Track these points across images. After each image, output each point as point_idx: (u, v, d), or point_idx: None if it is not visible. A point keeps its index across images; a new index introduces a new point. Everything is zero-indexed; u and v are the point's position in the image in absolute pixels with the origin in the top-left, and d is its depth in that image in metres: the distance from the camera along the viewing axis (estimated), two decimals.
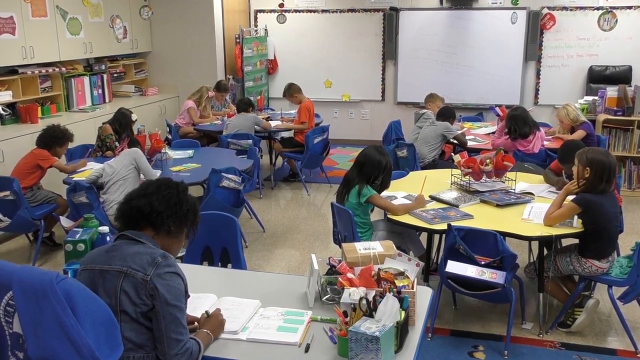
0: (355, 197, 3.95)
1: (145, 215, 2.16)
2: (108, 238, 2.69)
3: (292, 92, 7.26)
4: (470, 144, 6.17)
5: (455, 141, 6.18)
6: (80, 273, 2.12)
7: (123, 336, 1.96)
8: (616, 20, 8.16)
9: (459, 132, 6.23)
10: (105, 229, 2.73)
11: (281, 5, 9.28)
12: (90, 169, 5.21)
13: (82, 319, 1.63)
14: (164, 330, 2.02)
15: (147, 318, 2.03)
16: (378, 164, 3.98)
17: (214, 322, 2.30)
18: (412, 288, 2.40)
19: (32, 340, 1.62)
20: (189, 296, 2.16)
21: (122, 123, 5.84)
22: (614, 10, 8.16)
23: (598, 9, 8.19)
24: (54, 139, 5.24)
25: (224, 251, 3.36)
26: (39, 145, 5.23)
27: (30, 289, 1.63)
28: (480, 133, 6.72)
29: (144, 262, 2.04)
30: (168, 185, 2.25)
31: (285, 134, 7.66)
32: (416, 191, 4.15)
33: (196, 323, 2.33)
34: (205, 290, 2.62)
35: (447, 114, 6.31)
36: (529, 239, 3.79)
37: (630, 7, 8.09)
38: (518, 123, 5.69)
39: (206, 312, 2.36)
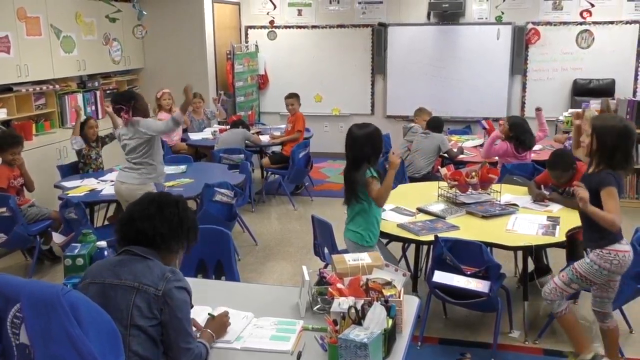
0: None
1: (149, 237, 2.24)
2: (106, 252, 2.77)
3: (296, 99, 7.44)
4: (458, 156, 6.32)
5: (446, 155, 6.32)
6: (88, 287, 2.18)
7: (131, 350, 2.05)
8: (593, 39, 8.39)
9: (450, 145, 6.39)
10: (103, 243, 2.81)
11: (271, 21, 9.43)
12: (85, 185, 5.31)
13: (87, 329, 1.72)
14: (174, 341, 2.13)
15: (155, 331, 2.12)
16: (369, 137, 3.74)
17: (217, 322, 2.42)
18: (399, 297, 2.50)
19: (39, 350, 1.71)
20: (192, 306, 2.26)
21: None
22: (590, 29, 8.37)
23: (581, 24, 8.40)
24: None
25: (218, 264, 3.45)
26: None
27: (38, 301, 1.72)
28: (467, 146, 6.86)
29: (155, 277, 2.14)
30: (168, 204, 2.32)
31: (277, 148, 7.78)
32: (405, 204, 4.26)
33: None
34: (199, 302, 2.68)
35: (438, 125, 6.48)
36: (514, 248, 3.92)
37: (612, 22, 8.30)
38: (526, 135, 5.69)
39: (211, 314, 2.46)
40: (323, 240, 4.10)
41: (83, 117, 6.08)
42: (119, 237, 2.30)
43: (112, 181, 5.16)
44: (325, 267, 3.88)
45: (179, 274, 2.21)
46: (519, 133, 5.70)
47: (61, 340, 1.67)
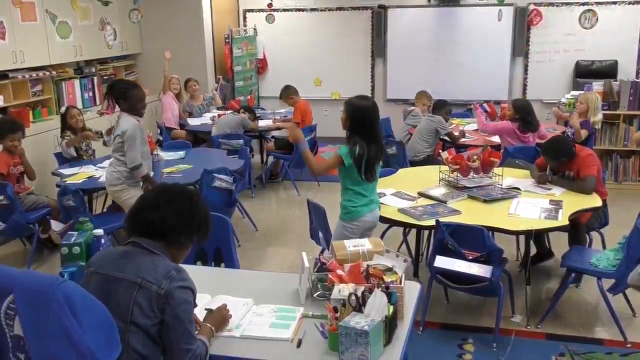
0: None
1: (156, 229, 2.16)
2: (103, 241, 2.73)
3: (288, 93, 7.36)
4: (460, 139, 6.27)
5: (446, 137, 6.27)
6: (91, 275, 2.13)
7: (130, 347, 2.00)
8: (597, 19, 8.28)
9: (451, 129, 6.33)
10: (100, 231, 2.77)
11: (270, 4, 9.32)
12: (83, 172, 5.26)
13: (82, 321, 1.68)
14: (175, 342, 2.06)
15: (155, 330, 2.06)
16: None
17: (216, 316, 2.36)
18: (400, 283, 2.47)
19: (33, 342, 1.68)
20: (196, 305, 2.20)
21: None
22: (594, 9, 8.26)
23: (583, 4, 8.29)
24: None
25: (217, 251, 3.41)
26: None
27: (31, 292, 1.68)
28: (469, 129, 6.80)
29: (159, 274, 2.06)
30: (180, 196, 2.23)
31: (278, 134, 7.72)
32: (405, 188, 4.21)
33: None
34: (199, 290, 2.62)
35: (437, 106, 6.44)
36: (516, 233, 3.88)
37: (614, 3, 8.19)
38: (531, 116, 5.67)
39: (208, 309, 2.40)
40: (317, 224, 4.07)
41: (63, 108, 5.99)
42: (128, 227, 2.22)
43: None
44: (322, 252, 3.85)
45: (184, 273, 2.13)
46: (524, 115, 5.65)
47: (55, 332, 1.64)
